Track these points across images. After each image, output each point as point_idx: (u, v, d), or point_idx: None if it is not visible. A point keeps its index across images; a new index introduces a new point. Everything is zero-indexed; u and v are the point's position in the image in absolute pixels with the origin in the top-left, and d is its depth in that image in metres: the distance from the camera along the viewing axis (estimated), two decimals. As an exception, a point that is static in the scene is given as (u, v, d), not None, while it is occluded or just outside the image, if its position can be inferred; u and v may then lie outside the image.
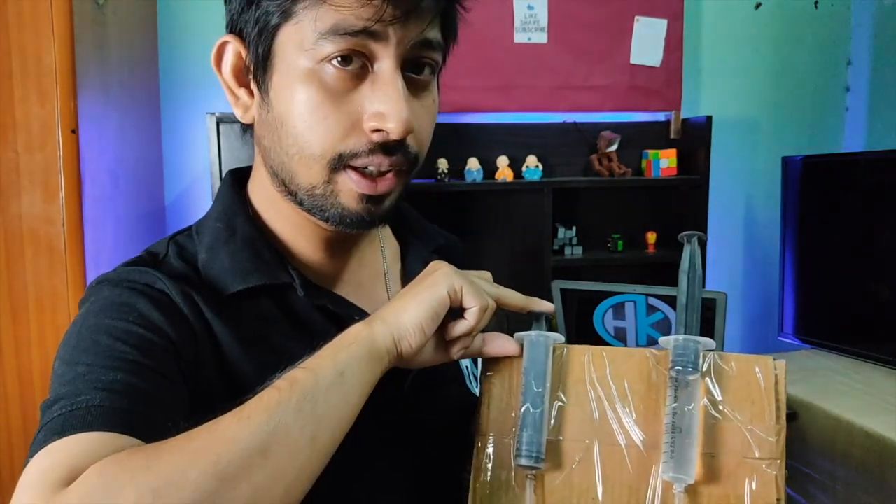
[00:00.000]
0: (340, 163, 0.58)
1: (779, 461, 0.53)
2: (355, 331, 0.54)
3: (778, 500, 0.52)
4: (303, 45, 0.56)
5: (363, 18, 0.54)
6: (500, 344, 0.63)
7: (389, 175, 0.59)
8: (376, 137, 0.57)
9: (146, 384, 0.51)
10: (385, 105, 0.56)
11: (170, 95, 2.22)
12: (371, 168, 0.58)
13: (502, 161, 2.34)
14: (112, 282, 0.60)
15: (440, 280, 0.57)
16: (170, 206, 2.27)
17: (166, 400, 0.53)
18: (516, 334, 0.61)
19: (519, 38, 2.35)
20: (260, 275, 0.63)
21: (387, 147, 0.58)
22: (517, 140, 2.41)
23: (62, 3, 1.47)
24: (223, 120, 2.00)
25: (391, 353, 0.55)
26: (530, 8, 2.34)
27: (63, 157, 1.49)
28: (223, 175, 2.01)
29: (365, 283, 0.73)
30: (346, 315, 0.65)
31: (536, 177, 2.34)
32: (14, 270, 1.51)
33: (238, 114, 0.63)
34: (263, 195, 0.67)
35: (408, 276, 0.76)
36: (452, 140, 2.34)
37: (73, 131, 1.50)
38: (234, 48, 0.61)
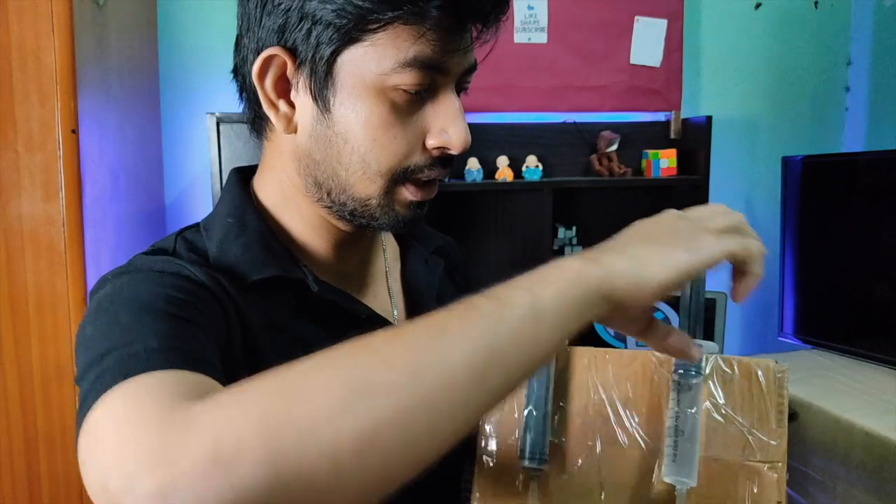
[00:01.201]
0: (403, 177, 0.62)
1: (780, 464, 0.53)
2: (571, 266, 0.46)
3: (779, 502, 0.53)
4: (377, 68, 0.57)
5: (438, 51, 0.57)
6: (683, 342, 0.53)
7: (435, 182, 0.65)
8: (437, 153, 0.62)
9: (196, 331, 0.50)
10: (450, 125, 0.60)
11: (170, 95, 2.22)
12: (424, 178, 0.62)
13: (502, 161, 2.34)
14: (135, 269, 0.57)
15: (711, 243, 0.49)
16: (170, 206, 2.27)
17: (214, 347, 0.51)
18: None
19: (519, 38, 2.35)
20: (274, 267, 0.64)
21: (444, 160, 0.63)
22: (517, 140, 2.40)
23: (62, 3, 1.47)
24: (223, 120, 2.00)
25: (612, 304, 0.46)
26: (530, 8, 2.34)
27: (63, 157, 1.49)
28: (223, 175, 2.01)
29: (368, 282, 0.75)
30: (354, 312, 0.68)
31: (536, 177, 2.34)
32: (14, 270, 1.51)
33: (280, 126, 0.63)
34: (276, 194, 0.68)
35: (408, 275, 0.78)
36: (452, 140, 2.33)
37: (73, 131, 1.50)
38: (278, 61, 0.60)
